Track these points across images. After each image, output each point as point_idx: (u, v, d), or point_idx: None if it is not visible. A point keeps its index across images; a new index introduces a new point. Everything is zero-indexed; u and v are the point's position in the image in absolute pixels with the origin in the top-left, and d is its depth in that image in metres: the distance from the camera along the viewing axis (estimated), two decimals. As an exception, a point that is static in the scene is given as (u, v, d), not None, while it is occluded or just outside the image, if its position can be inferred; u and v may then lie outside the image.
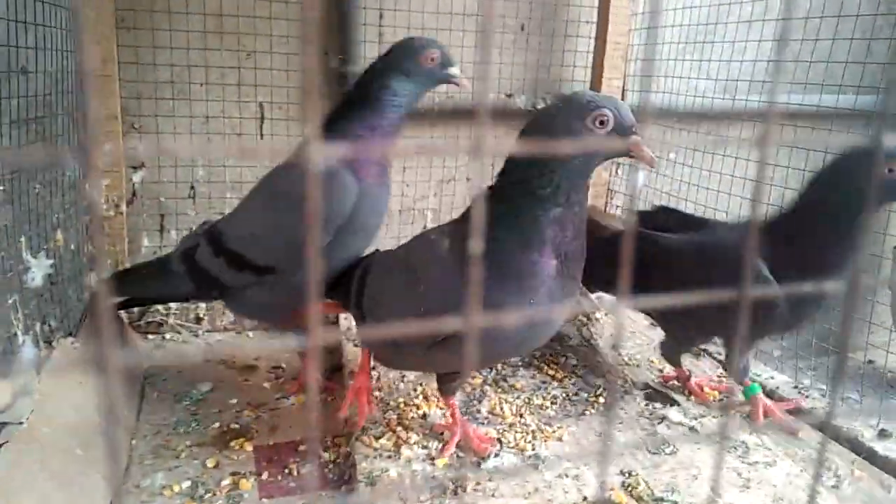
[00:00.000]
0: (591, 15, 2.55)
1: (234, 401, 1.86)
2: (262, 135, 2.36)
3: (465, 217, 1.40)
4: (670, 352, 1.84)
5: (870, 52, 2.00)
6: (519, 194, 1.22)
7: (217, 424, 1.73)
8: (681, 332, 1.80)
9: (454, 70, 1.63)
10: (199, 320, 2.26)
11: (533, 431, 1.61)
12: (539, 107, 2.53)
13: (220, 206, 2.36)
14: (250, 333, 2.29)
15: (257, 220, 1.64)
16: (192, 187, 2.34)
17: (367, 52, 2.36)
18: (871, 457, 1.55)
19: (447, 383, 1.53)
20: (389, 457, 1.51)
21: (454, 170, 2.56)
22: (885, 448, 1.56)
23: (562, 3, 2.54)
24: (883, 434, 1.61)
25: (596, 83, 2.52)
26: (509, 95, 2.53)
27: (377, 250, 1.68)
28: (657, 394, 1.80)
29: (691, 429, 1.65)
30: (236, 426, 1.73)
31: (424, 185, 2.55)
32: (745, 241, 1.40)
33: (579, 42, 2.58)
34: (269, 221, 1.60)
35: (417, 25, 2.38)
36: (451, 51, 1.65)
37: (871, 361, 2.11)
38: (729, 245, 1.58)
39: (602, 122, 1.17)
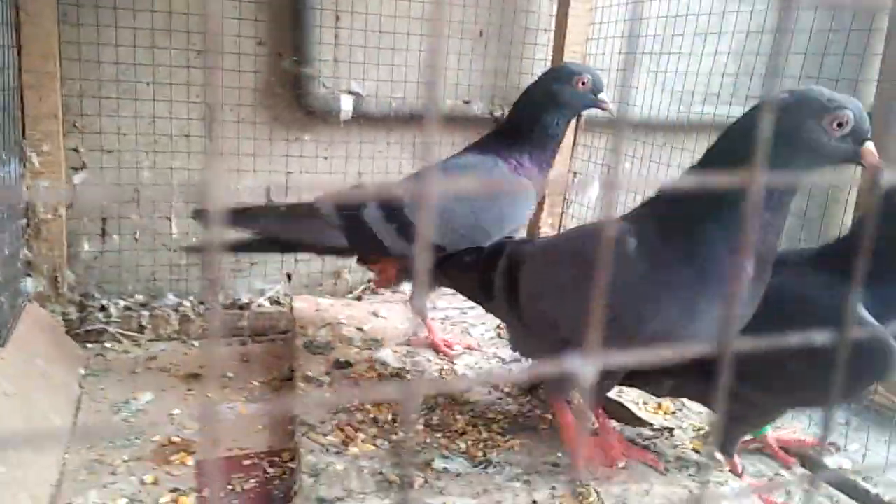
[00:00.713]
0: (550, 23, 2.54)
1: (177, 411, 1.78)
2: (210, 137, 2.28)
3: (650, 213, 1.26)
4: (727, 438, 1.46)
5: (822, 68, 2.03)
6: (729, 194, 1.11)
7: (157, 437, 1.65)
8: (747, 408, 1.37)
9: (603, 96, 1.82)
10: (142, 329, 2.17)
11: (485, 440, 1.58)
12: (496, 114, 2.51)
13: (166, 211, 2.27)
14: (195, 343, 2.20)
15: (446, 204, 1.69)
16: (137, 190, 2.25)
17: (323, 53, 2.31)
18: (817, 470, 1.55)
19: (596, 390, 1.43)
20: (337, 452, 1.49)
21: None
22: (833, 462, 1.57)
23: (520, 10, 2.53)
24: (832, 448, 1.62)
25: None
26: (467, 102, 2.50)
27: (512, 240, 1.69)
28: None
29: (645, 446, 1.63)
30: (178, 439, 1.65)
31: (380, 191, 2.50)
32: (821, 280, 1.26)
33: (537, 50, 2.57)
34: (460, 207, 1.72)
35: (374, 28, 2.34)
36: (600, 76, 1.82)
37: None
38: (808, 287, 1.29)
39: (840, 125, 1.07)
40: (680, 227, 1.18)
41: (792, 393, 1.32)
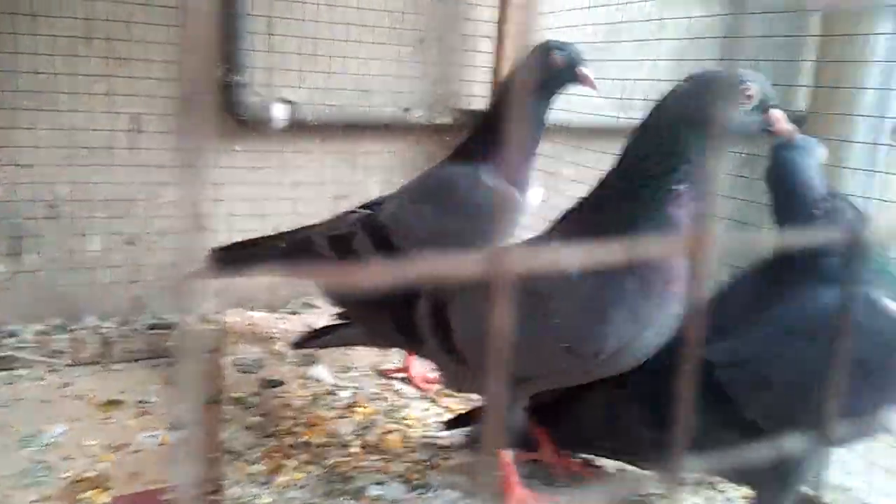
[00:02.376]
0: (491, 30, 2.50)
1: (92, 443, 1.65)
2: (135, 148, 2.16)
3: (580, 225, 1.19)
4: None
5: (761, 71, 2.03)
6: (643, 186, 1.11)
7: (69, 473, 1.53)
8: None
9: (583, 69, 1.69)
10: (58, 353, 2.03)
11: (423, 462, 1.49)
12: (437, 122, 2.45)
13: (86, 227, 2.13)
14: (117, 366, 2.07)
15: (430, 225, 1.68)
16: (53, 206, 2.11)
17: (255, 61, 2.21)
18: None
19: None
20: (264, 483, 1.38)
21: (349, 186, 2.44)
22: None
23: (461, 17, 2.48)
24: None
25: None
26: (406, 110, 2.43)
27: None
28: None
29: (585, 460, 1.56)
30: (92, 474, 1.53)
31: (318, 203, 2.41)
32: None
33: (479, 57, 2.52)
34: (445, 228, 1.67)
35: (308, 34, 2.26)
36: (579, 50, 1.70)
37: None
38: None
39: (748, 98, 1.09)
40: (614, 229, 1.12)
41: None
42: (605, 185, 1.20)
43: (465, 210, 1.67)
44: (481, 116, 1.86)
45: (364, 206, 1.86)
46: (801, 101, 1.98)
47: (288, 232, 1.92)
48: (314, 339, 1.61)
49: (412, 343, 1.39)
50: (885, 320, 1.08)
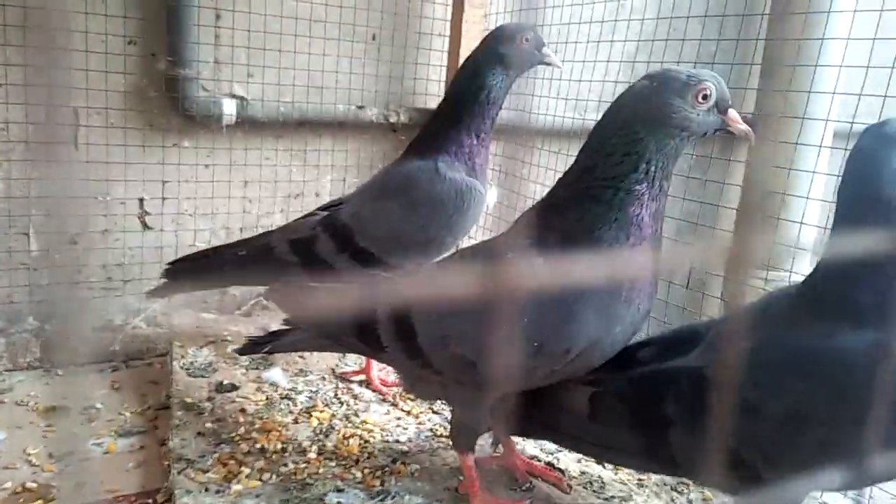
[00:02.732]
0: (444, 28, 2.49)
1: (35, 451, 1.58)
2: (76, 144, 2.07)
3: (541, 224, 1.18)
4: None
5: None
6: (603, 187, 1.11)
7: (9, 484, 1.46)
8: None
9: (546, 50, 1.73)
10: (-5, 358, 1.94)
11: (382, 467, 1.48)
12: (391, 120, 2.43)
13: (23, 226, 2.04)
14: (60, 371, 1.98)
15: (395, 222, 1.69)
16: (-13, 204, 2.01)
17: (202, 54, 2.15)
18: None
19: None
20: (217, 491, 1.36)
21: (302, 184, 2.39)
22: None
23: (413, 14, 2.46)
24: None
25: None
26: (360, 107, 2.40)
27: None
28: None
29: (549, 463, 1.58)
30: (33, 485, 1.47)
31: (269, 201, 2.36)
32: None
33: (432, 55, 2.51)
34: (409, 224, 1.68)
35: (258, 28, 2.20)
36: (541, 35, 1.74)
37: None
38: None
39: (705, 97, 1.10)
40: (578, 230, 1.14)
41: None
42: (565, 186, 1.21)
43: (427, 204, 1.67)
44: (436, 109, 1.85)
45: (323, 208, 1.83)
46: (750, 105, 2.04)
47: (245, 239, 1.88)
48: (261, 345, 1.57)
49: (372, 349, 1.37)
50: None
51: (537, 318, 1.08)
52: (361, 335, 1.34)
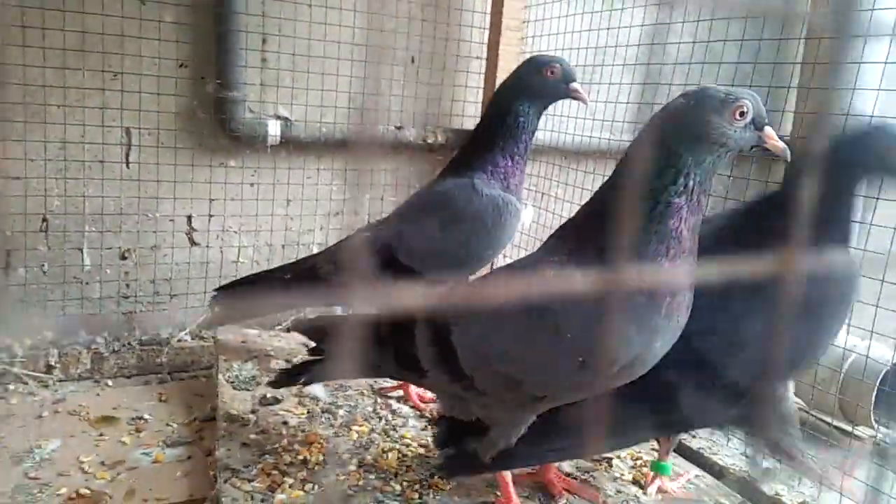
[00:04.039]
0: (481, 51, 2.54)
1: (87, 459, 1.64)
2: (128, 163, 2.16)
3: (579, 238, 1.22)
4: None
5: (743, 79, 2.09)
6: (643, 201, 1.13)
7: (64, 490, 1.52)
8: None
9: (575, 85, 1.76)
10: (49, 369, 2.01)
11: (420, 481, 1.51)
12: (429, 140, 2.48)
13: (77, 241, 2.13)
14: (110, 382, 2.06)
15: (438, 239, 1.73)
16: (45, 219, 2.10)
17: (249, 77, 2.23)
18: (757, 499, 1.56)
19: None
20: (262, 500, 1.40)
21: (341, 203, 2.46)
22: (770, 488, 1.58)
23: (452, 37, 2.52)
24: (767, 473, 1.63)
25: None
26: (399, 128, 2.46)
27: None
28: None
29: (584, 480, 1.60)
30: (87, 491, 1.52)
31: (310, 219, 2.43)
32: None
33: (469, 77, 2.57)
34: (449, 240, 1.72)
35: (303, 52, 2.28)
36: (571, 67, 1.77)
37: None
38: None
39: (742, 114, 1.12)
40: (615, 244, 1.15)
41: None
42: (602, 201, 1.23)
43: (465, 220, 1.71)
44: (472, 132, 1.90)
45: (363, 230, 1.88)
46: (787, 127, 2.05)
47: (289, 264, 1.93)
48: (294, 376, 1.59)
49: (411, 374, 1.40)
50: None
51: (581, 333, 1.10)
52: (400, 360, 1.37)
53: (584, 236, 1.20)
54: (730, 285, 1.17)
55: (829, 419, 1.90)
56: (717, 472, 1.72)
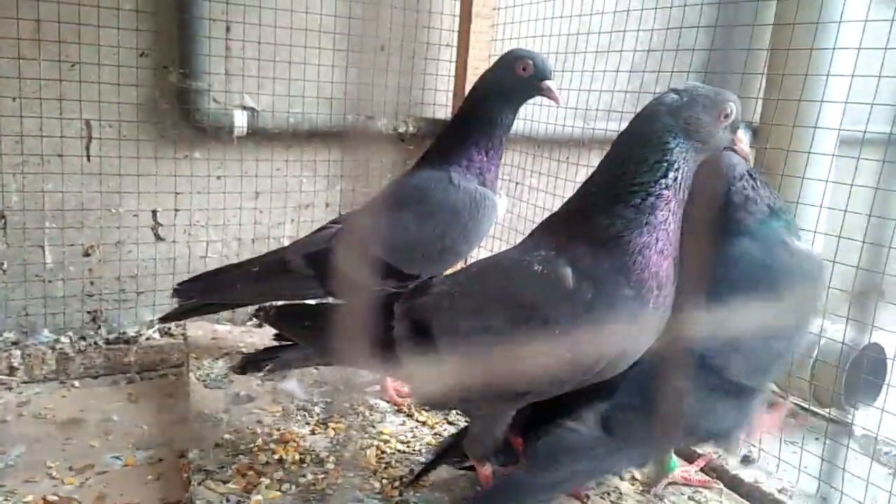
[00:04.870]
0: (452, 39, 2.51)
1: (54, 464, 1.59)
2: (89, 156, 2.09)
3: (566, 234, 1.20)
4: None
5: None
6: (634, 192, 1.14)
7: (30, 497, 1.47)
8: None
9: (548, 83, 1.73)
10: (12, 370, 1.94)
11: (401, 477, 1.49)
12: (400, 130, 2.45)
13: (37, 238, 2.05)
14: (76, 383, 2.00)
15: (411, 232, 1.69)
16: (3, 216, 2.02)
17: (213, 66, 2.17)
18: (735, 485, 1.57)
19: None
20: (238, 502, 1.37)
21: (312, 194, 2.41)
22: (749, 475, 1.59)
23: (421, 25, 2.48)
24: (746, 460, 1.64)
25: (456, 107, 2.47)
26: (370, 118, 2.41)
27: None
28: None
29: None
30: (55, 498, 1.48)
31: (280, 212, 2.38)
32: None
33: (440, 66, 2.53)
34: (425, 234, 1.69)
35: (269, 40, 2.22)
36: (547, 62, 1.72)
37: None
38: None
39: (726, 116, 1.14)
40: (608, 236, 1.15)
41: None
42: (589, 194, 1.22)
43: (443, 213, 1.69)
44: (448, 122, 1.88)
45: (335, 221, 1.85)
46: (755, 114, 2.07)
47: (257, 257, 1.89)
48: (258, 362, 1.56)
49: (387, 365, 1.38)
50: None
51: (570, 329, 1.09)
52: (377, 352, 1.35)
53: (573, 230, 1.19)
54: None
55: (804, 403, 1.93)
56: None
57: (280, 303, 1.61)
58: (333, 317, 1.42)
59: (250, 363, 1.57)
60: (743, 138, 1.20)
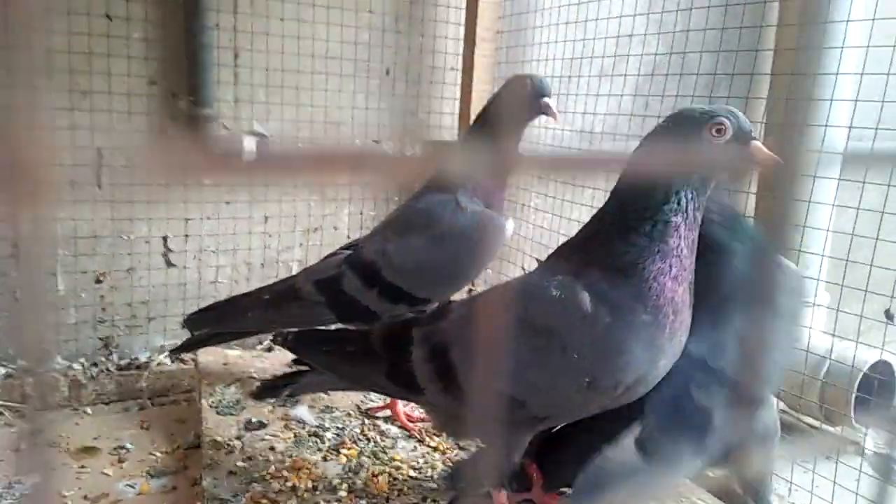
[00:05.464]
0: (457, 62, 2.54)
1: (70, 493, 1.60)
2: (100, 184, 2.11)
3: (582, 262, 1.21)
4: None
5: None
6: (643, 219, 1.15)
7: (47, 527, 1.48)
8: None
9: (546, 100, 1.72)
10: (25, 398, 1.96)
11: (414, 504, 1.51)
12: (407, 153, 2.47)
13: (50, 265, 2.07)
14: (88, 409, 2.01)
15: (421, 256, 1.71)
16: (16, 245, 2.03)
17: (222, 93, 2.19)
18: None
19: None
20: (254, 531, 1.38)
21: (320, 218, 2.43)
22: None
23: (426, 49, 2.51)
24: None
25: (462, 130, 2.50)
26: (376, 142, 2.45)
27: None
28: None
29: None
30: (71, 527, 1.49)
31: (289, 236, 2.40)
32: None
33: (445, 89, 2.56)
34: (435, 258, 1.71)
35: (276, 66, 2.25)
36: (546, 82, 1.73)
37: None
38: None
39: (719, 131, 1.13)
40: (624, 263, 1.16)
41: None
42: (602, 221, 1.23)
43: (452, 237, 1.70)
44: (454, 145, 1.90)
45: (345, 247, 1.87)
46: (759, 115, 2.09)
47: (267, 285, 1.90)
48: (276, 388, 1.57)
49: (406, 391, 1.39)
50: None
51: (588, 354, 1.11)
52: (394, 378, 1.36)
53: (588, 256, 1.20)
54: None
55: (813, 422, 1.94)
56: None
57: (296, 329, 1.62)
58: (355, 343, 1.45)
59: (267, 389, 1.58)
60: (758, 148, 1.15)
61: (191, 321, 1.85)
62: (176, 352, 1.91)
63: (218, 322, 1.83)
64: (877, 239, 1.44)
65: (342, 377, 1.49)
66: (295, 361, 1.56)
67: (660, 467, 1.30)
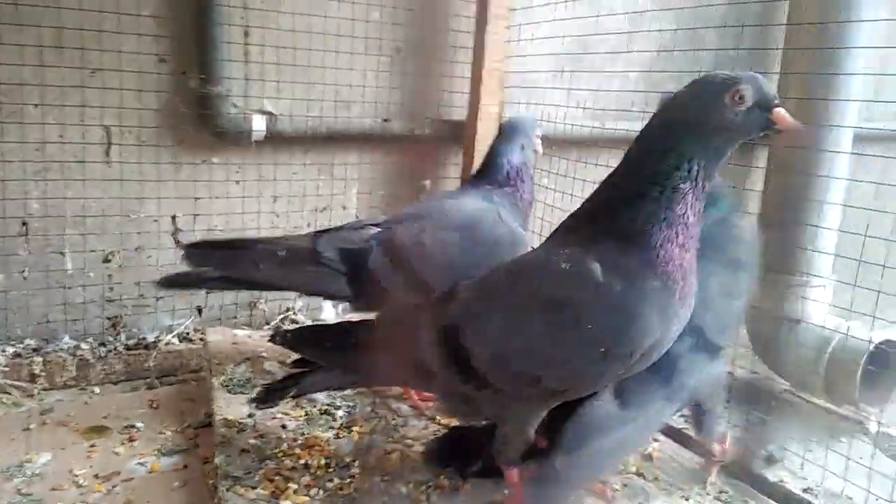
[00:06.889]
0: (468, 41, 2.50)
1: (81, 472, 1.60)
2: (109, 162, 2.10)
3: (591, 233, 1.20)
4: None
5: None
6: (651, 184, 1.14)
7: (59, 504, 1.47)
8: None
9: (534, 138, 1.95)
10: (34, 377, 1.95)
11: (426, 482, 1.49)
12: (417, 132, 2.44)
13: (58, 244, 2.06)
14: (96, 389, 2.00)
15: (454, 253, 1.73)
16: (25, 223, 2.03)
17: (232, 71, 2.17)
18: (760, 485, 1.57)
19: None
20: (267, 506, 1.37)
21: (329, 198, 2.41)
22: (773, 475, 1.59)
23: (438, 28, 2.48)
24: (771, 459, 1.64)
25: (473, 109, 2.47)
26: (386, 120, 2.42)
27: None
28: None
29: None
30: (82, 504, 1.48)
31: (297, 216, 2.38)
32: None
33: (456, 67, 2.53)
34: (468, 258, 1.70)
35: (287, 44, 2.22)
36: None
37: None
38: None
39: (741, 98, 1.10)
40: (632, 231, 1.15)
41: None
42: (610, 189, 1.22)
43: (488, 244, 1.76)
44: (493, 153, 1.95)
45: (366, 224, 1.82)
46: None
47: (277, 238, 1.84)
48: (280, 391, 1.49)
49: (417, 379, 1.37)
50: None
51: (603, 323, 1.10)
52: (409, 365, 1.34)
53: (597, 226, 1.19)
54: None
55: (815, 399, 1.93)
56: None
57: (294, 326, 1.59)
58: (359, 335, 1.42)
59: (271, 392, 1.51)
60: (782, 114, 1.13)
61: (192, 254, 1.72)
62: (163, 284, 1.74)
63: (224, 266, 1.71)
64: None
65: (349, 371, 1.46)
66: (295, 363, 1.52)
67: (637, 414, 1.31)
